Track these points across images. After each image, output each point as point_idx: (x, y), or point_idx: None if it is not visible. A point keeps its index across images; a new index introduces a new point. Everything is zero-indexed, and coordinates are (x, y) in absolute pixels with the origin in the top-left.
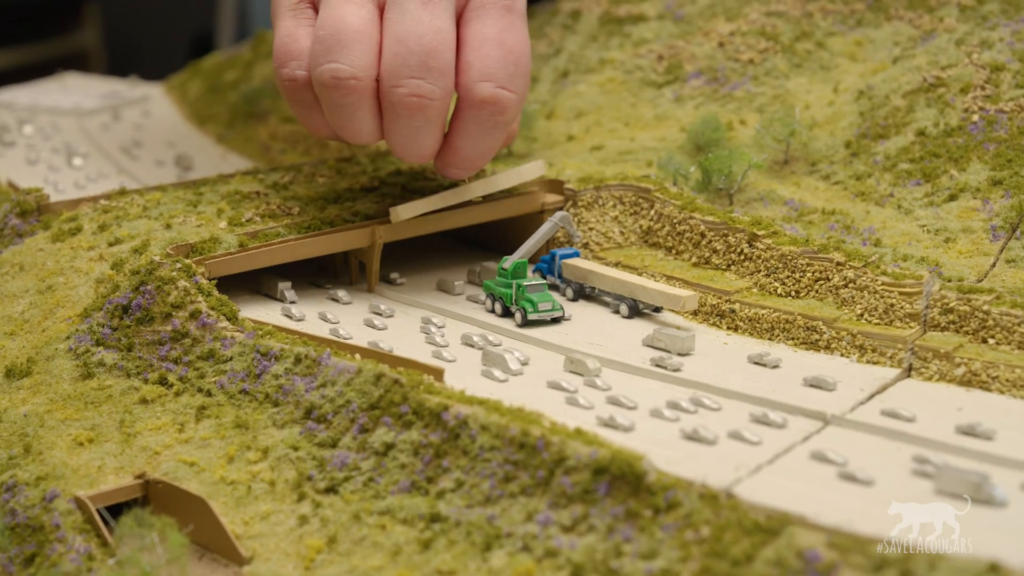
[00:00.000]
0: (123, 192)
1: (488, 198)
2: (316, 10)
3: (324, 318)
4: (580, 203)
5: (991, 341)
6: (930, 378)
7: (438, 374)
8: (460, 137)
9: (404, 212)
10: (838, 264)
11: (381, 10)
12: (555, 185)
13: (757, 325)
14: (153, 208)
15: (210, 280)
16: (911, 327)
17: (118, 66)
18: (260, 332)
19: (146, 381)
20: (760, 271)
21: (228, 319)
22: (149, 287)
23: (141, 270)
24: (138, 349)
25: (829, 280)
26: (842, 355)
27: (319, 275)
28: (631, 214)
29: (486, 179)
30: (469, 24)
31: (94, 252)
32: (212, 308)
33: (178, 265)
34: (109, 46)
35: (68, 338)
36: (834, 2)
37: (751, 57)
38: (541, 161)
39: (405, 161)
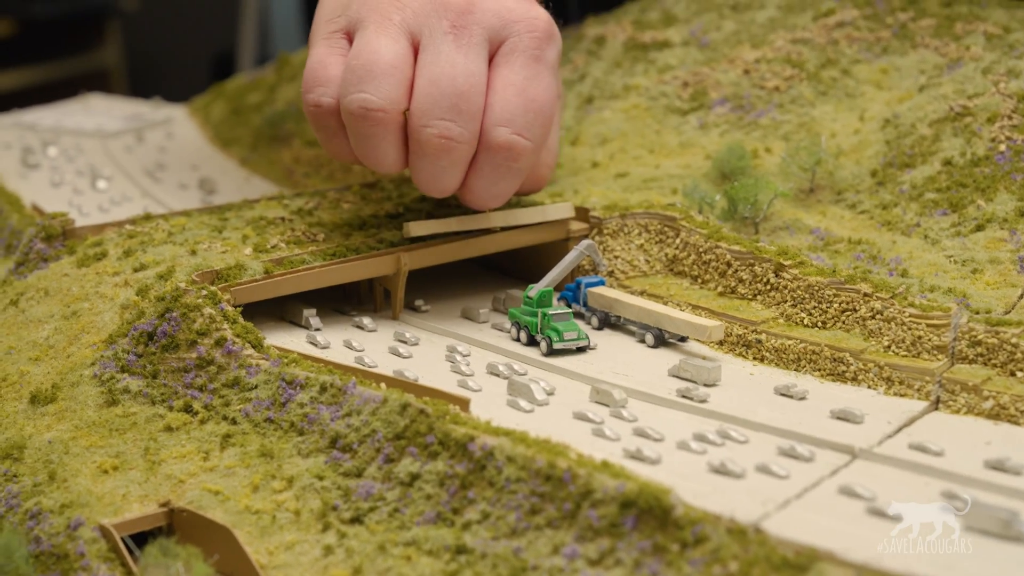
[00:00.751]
0: (148, 217)
1: (506, 228)
2: (350, 41)
3: (349, 346)
4: (606, 231)
5: (1019, 374)
6: (958, 411)
7: (464, 404)
8: (474, 176)
9: (416, 229)
10: (865, 295)
11: (414, 48)
12: (581, 213)
13: (783, 356)
14: (178, 233)
15: (235, 307)
16: (939, 359)
17: (139, 84)
18: (285, 360)
19: (171, 408)
20: (787, 301)
21: (253, 347)
22: (175, 314)
23: (166, 297)
24: (163, 376)
25: (856, 311)
26: (869, 387)
27: (344, 302)
28: (656, 242)
29: (509, 211)
30: (497, 69)
31: (119, 278)
32: (237, 335)
33: (204, 292)
34: (130, 64)
35: (93, 364)
36: (860, 29)
37: (776, 84)
38: (569, 203)
39: (427, 194)
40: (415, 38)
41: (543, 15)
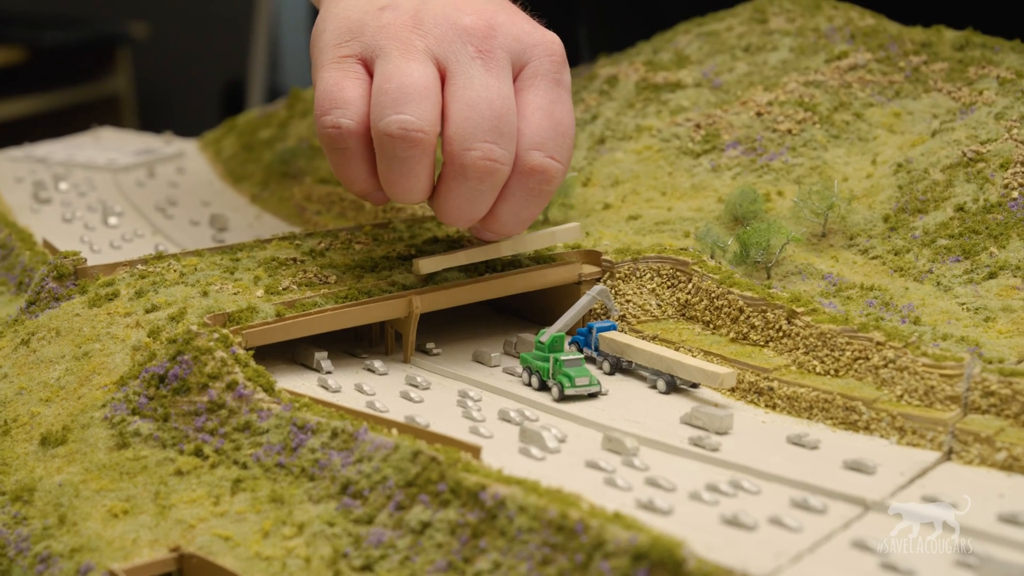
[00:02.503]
0: (160, 256)
1: (519, 266)
2: (364, 65)
3: (360, 389)
4: (617, 275)
5: None
6: (970, 462)
7: (476, 452)
8: (502, 203)
9: (427, 266)
10: (878, 344)
11: (440, 75)
12: (592, 256)
13: (795, 404)
14: (190, 274)
15: (247, 350)
16: (951, 409)
17: (149, 112)
18: (297, 405)
19: (181, 452)
20: (799, 348)
21: (265, 391)
22: (186, 357)
23: (178, 339)
24: (174, 419)
25: (868, 359)
26: (881, 436)
27: (355, 344)
28: (668, 287)
29: (517, 238)
30: (522, 93)
31: (131, 319)
32: (249, 379)
33: (215, 335)
34: (140, 92)
35: (104, 406)
36: (872, 73)
37: (789, 127)
38: (577, 224)
39: (451, 225)
40: (440, 64)
41: (557, 39)
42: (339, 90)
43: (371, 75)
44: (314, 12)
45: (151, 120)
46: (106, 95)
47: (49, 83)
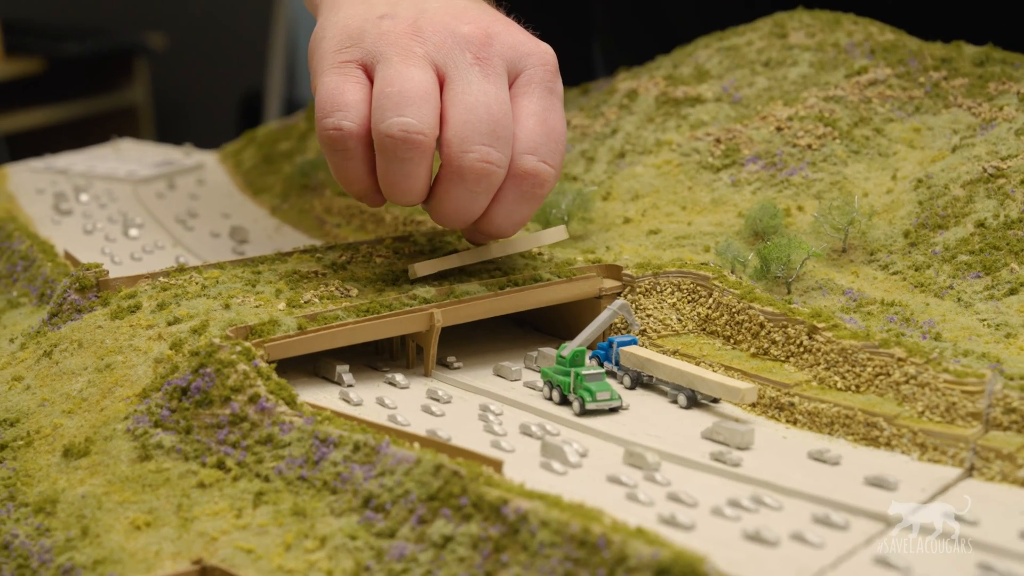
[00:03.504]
0: (182, 269)
1: (540, 280)
2: (365, 71)
3: (382, 403)
4: (638, 289)
5: None
6: (992, 479)
7: (497, 466)
8: (496, 205)
9: (422, 270)
10: (899, 360)
11: (439, 80)
12: (613, 270)
13: (816, 419)
14: (212, 287)
15: (269, 363)
16: (973, 426)
17: (166, 123)
18: (319, 418)
19: (204, 465)
20: (820, 364)
21: (287, 404)
22: (209, 370)
23: (201, 352)
24: (196, 432)
25: (890, 375)
26: (903, 452)
27: (376, 357)
28: (689, 301)
29: (506, 241)
30: (516, 100)
31: (153, 331)
32: (271, 392)
33: (238, 348)
34: (157, 103)
35: (126, 418)
36: (892, 88)
37: (809, 142)
38: (563, 227)
39: (446, 227)
40: (439, 70)
41: (551, 50)
42: (340, 93)
43: (371, 80)
44: None
45: (168, 131)
46: (124, 106)
47: (67, 94)
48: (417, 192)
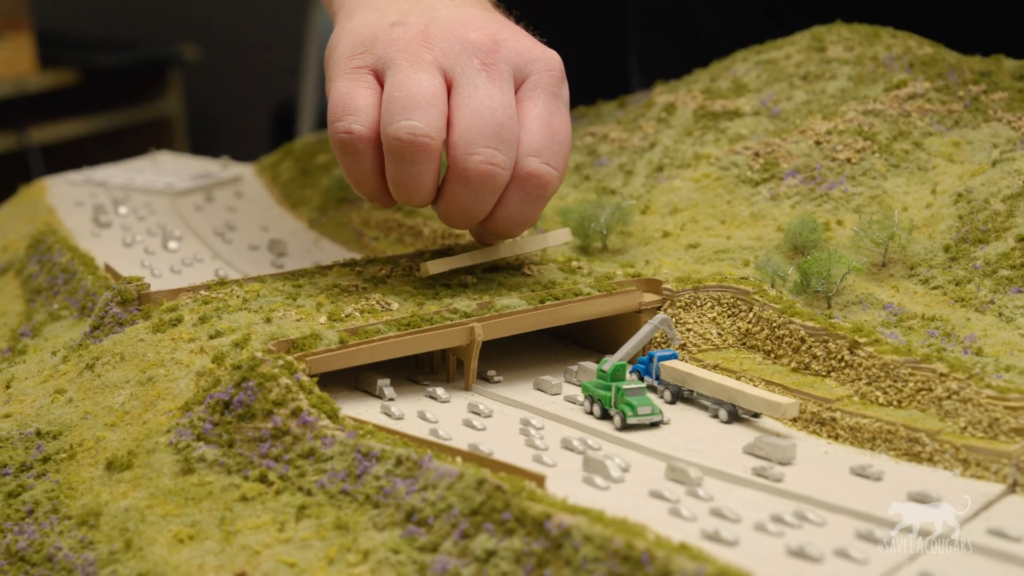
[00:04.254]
0: (222, 282)
1: (581, 295)
2: (376, 76)
3: (423, 417)
4: (678, 303)
5: None
6: None
7: (540, 480)
8: (501, 206)
9: (433, 268)
10: (941, 375)
11: (447, 85)
12: (653, 284)
13: (858, 434)
14: (253, 300)
15: (311, 377)
16: (1016, 442)
17: (200, 135)
18: (361, 432)
19: (246, 478)
20: (861, 379)
21: (329, 417)
22: (251, 383)
23: (243, 365)
24: (239, 445)
25: (932, 391)
26: (945, 468)
27: (416, 371)
28: (729, 315)
29: (513, 241)
30: (521, 104)
31: (194, 344)
32: (313, 406)
33: (280, 362)
34: (191, 114)
35: (169, 432)
36: (931, 102)
37: (848, 156)
38: (567, 230)
39: (453, 228)
40: (447, 75)
41: (557, 56)
42: (352, 98)
43: (382, 85)
44: None
45: (202, 143)
46: (158, 117)
47: (101, 105)
48: (424, 193)
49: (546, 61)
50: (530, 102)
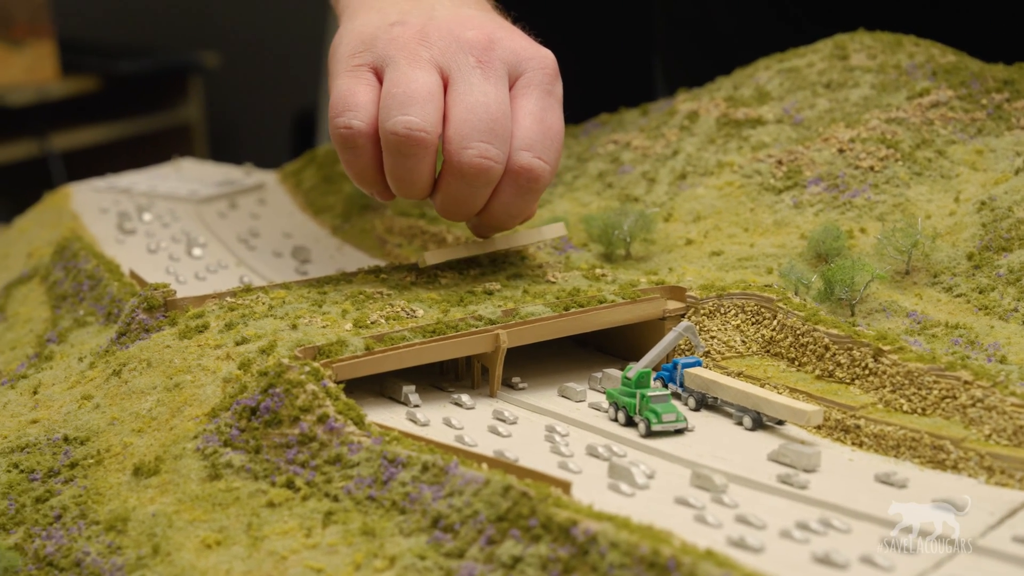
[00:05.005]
0: (248, 289)
1: (605, 302)
2: (376, 74)
3: (448, 423)
4: (702, 311)
5: None
6: None
7: (565, 487)
8: (495, 200)
9: (431, 258)
10: (965, 382)
11: (443, 82)
12: (677, 292)
13: (882, 442)
14: (278, 307)
15: (337, 383)
16: None
17: (220, 142)
18: (387, 438)
19: (273, 484)
20: (885, 387)
21: (355, 424)
22: (278, 390)
23: (269, 372)
24: (266, 451)
25: (956, 399)
26: (970, 476)
27: (441, 377)
28: (753, 323)
29: (508, 234)
30: (515, 101)
31: (221, 351)
32: (339, 412)
33: (306, 368)
34: (211, 121)
35: (196, 437)
36: (954, 110)
37: (871, 164)
38: (562, 223)
39: (449, 220)
40: (444, 72)
41: (551, 54)
42: (352, 95)
43: (381, 83)
44: None
45: (222, 150)
46: (178, 124)
47: (122, 112)
48: (421, 186)
49: (540, 59)
50: (524, 99)
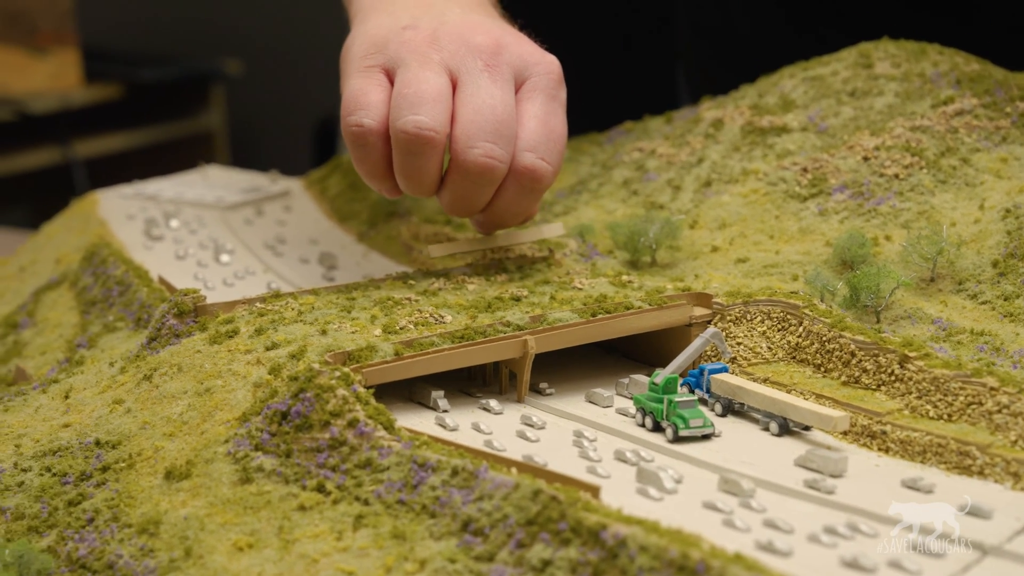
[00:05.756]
0: (277, 295)
1: (632, 308)
2: (387, 75)
3: (477, 428)
4: (728, 317)
5: None
6: None
7: (594, 491)
8: (499, 199)
9: (436, 251)
10: (992, 389)
11: (452, 84)
12: (703, 298)
13: (909, 448)
14: (308, 313)
15: (367, 388)
16: None
17: (242, 149)
18: (417, 443)
19: (304, 488)
20: (911, 393)
21: (385, 428)
22: (308, 394)
23: (300, 377)
24: (296, 456)
25: (982, 405)
26: (996, 481)
27: (468, 383)
28: (779, 329)
29: (510, 231)
30: (521, 104)
31: (251, 356)
32: (370, 417)
33: (337, 373)
34: (233, 129)
35: (227, 442)
36: (979, 118)
37: (896, 172)
38: (560, 224)
39: (454, 216)
40: (453, 75)
41: (556, 60)
42: (363, 94)
43: (392, 83)
44: None
45: (244, 157)
46: (200, 131)
47: (144, 119)
48: (429, 184)
49: (546, 65)
50: (529, 102)
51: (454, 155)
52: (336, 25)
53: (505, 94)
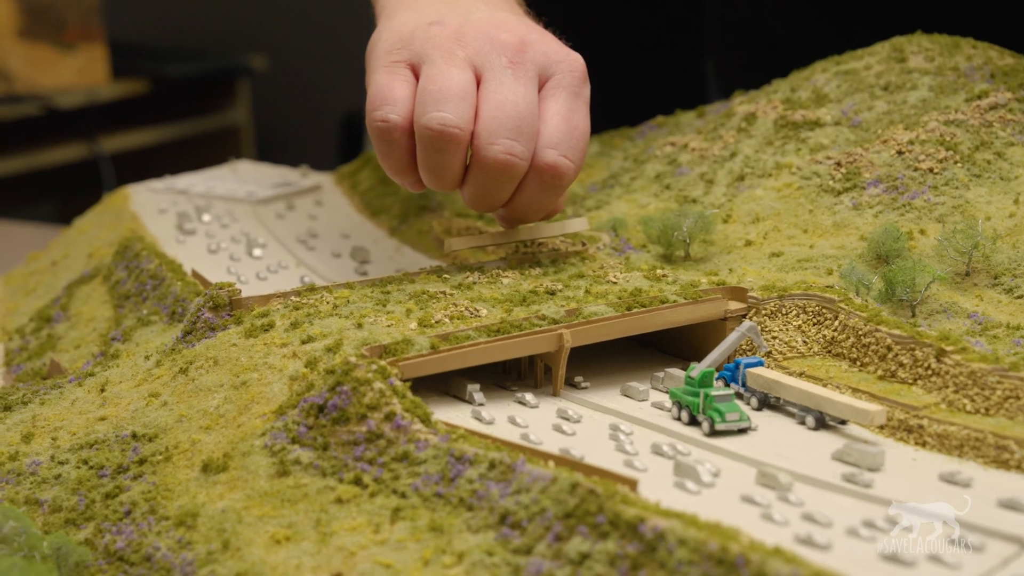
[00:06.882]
0: (312, 288)
1: (668, 306)
2: (412, 70)
3: (513, 422)
4: (763, 311)
5: None
6: None
7: (632, 484)
8: (520, 194)
9: (456, 244)
10: None
11: (477, 80)
12: (738, 292)
13: (946, 442)
14: (343, 306)
15: (403, 382)
16: None
17: (267, 144)
18: (453, 436)
19: (341, 481)
20: (948, 387)
21: (422, 421)
22: (345, 388)
23: (336, 370)
24: (333, 449)
25: (1020, 399)
26: None
27: (504, 376)
28: (814, 324)
29: (532, 226)
30: (544, 101)
31: (287, 349)
32: (406, 410)
33: (373, 367)
34: (258, 124)
35: (263, 435)
36: (1013, 112)
37: (930, 166)
38: (584, 219)
39: (475, 211)
40: (477, 72)
41: (580, 58)
42: (389, 90)
43: (418, 79)
44: None
45: (270, 152)
46: (226, 127)
47: (170, 114)
48: (452, 179)
49: (570, 63)
50: (552, 99)
51: (475, 151)
52: (361, 21)
53: (528, 91)
